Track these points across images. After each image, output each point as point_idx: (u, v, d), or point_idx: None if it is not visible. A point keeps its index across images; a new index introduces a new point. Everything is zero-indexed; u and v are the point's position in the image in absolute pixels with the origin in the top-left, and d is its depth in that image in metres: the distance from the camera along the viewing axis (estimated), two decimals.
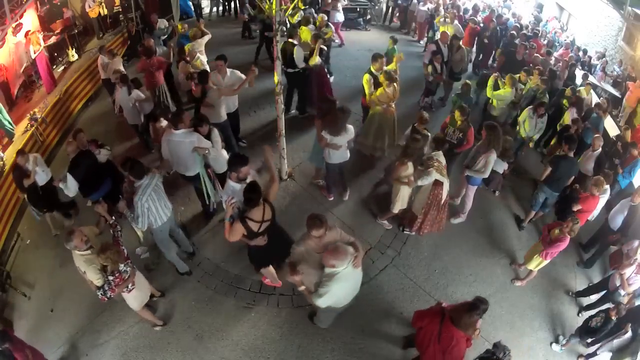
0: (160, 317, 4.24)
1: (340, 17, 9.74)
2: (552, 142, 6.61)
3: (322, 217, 3.11)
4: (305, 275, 3.11)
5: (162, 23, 8.04)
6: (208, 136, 4.46)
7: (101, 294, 3.41)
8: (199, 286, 4.53)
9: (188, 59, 6.45)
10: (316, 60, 6.28)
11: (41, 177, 4.91)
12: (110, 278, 3.40)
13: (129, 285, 3.62)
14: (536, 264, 4.50)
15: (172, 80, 7.15)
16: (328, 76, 7.01)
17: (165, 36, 7.83)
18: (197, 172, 4.53)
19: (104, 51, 6.97)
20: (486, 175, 4.83)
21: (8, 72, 6.99)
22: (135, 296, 3.76)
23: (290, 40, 6.29)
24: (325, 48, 6.69)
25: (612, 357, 4.08)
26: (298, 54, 6.26)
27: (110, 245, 3.43)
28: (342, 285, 3.05)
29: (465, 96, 6.47)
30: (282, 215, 5.17)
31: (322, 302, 3.08)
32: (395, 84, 5.52)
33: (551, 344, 4.39)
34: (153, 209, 3.86)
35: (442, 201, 4.66)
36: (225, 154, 4.76)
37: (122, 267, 3.48)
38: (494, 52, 8.97)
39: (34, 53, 7.19)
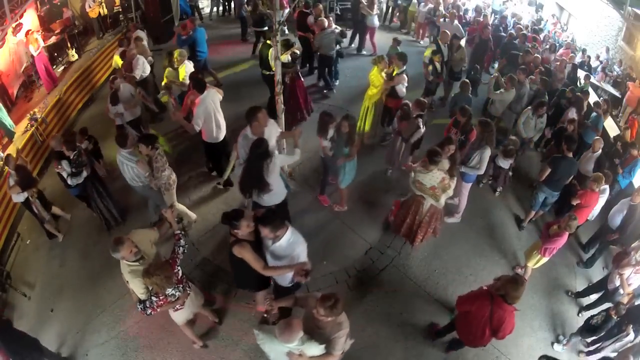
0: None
1: (376, 21, 9.15)
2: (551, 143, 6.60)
3: (338, 301, 2.63)
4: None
5: (142, 33, 7.73)
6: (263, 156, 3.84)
7: (141, 308, 3.14)
8: (199, 286, 4.52)
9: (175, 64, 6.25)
10: (284, 58, 6.18)
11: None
12: (154, 299, 3.11)
13: (177, 306, 3.37)
14: (535, 261, 4.50)
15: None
16: (302, 83, 6.70)
17: None
18: None
19: (125, 44, 6.96)
20: (481, 172, 4.82)
21: (5, 74, 6.99)
22: (182, 314, 3.54)
23: (267, 42, 6.22)
24: (298, 52, 6.57)
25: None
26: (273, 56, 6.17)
27: (159, 267, 3.04)
28: (270, 347, 2.82)
29: (464, 96, 6.47)
30: None
31: (255, 333, 2.91)
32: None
33: (552, 344, 4.39)
34: (125, 171, 4.40)
35: (425, 213, 4.53)
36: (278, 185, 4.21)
37: (169, 290, 3.14)
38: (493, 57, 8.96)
39: (35, 51, 7.19)
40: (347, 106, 7.32)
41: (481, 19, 9.32)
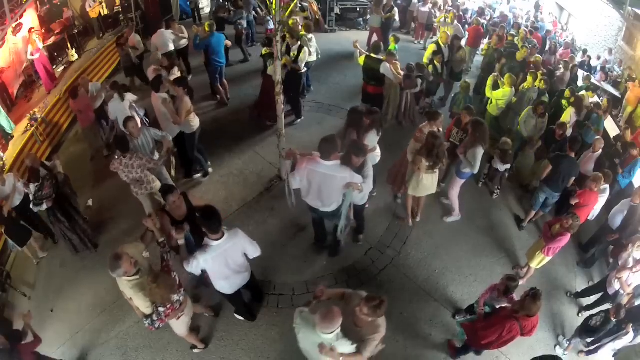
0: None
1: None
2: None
3: (383, 302, 2.69)
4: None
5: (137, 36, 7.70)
6: (361, 168, 3.82)
7: (149, 323, 3.09)
8: (199, 286, 4.52)
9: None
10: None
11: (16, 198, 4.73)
12: (161, 309, 3.06)
13: (179, 314, 3.31)
14: (538, 261, 4.49)
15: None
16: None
17: None
18: (337, 209, 3.95)
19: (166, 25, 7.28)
20: (475, 170, 4.79)
21: (6, 73, 6.99)
22: (184, 321, 3.50)
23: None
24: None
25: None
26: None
27: (161, 277, 3.02)
28: (304, 334, 2.81)
29: (465, 96, 6.46)
30: (283, 216, 5.16)
31: (295, 315, 2.93)
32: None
33: (555, 346, 4.40)
34: None
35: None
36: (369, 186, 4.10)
37: (175, 297, 3.13)
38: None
39: (31, 55, 7.21)
40: (345, 105, 7.32)
41: (484, 21, 9.32)
